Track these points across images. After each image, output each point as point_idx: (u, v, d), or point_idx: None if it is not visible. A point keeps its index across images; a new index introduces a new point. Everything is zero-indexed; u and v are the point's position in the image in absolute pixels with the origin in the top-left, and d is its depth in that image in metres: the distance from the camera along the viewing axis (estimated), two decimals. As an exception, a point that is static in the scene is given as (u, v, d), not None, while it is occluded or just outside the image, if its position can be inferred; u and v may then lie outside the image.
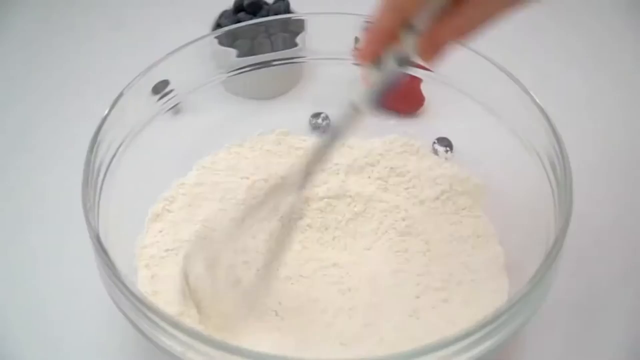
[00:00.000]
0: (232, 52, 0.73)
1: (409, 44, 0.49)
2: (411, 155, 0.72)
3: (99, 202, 0.61)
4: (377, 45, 0.50)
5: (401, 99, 0.76)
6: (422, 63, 0.51)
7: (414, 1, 0.48)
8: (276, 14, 0.79)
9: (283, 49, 0.74)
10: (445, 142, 0.73)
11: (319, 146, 0.55)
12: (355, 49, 0.49)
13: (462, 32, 0.49)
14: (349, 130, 0.54)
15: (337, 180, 0.70)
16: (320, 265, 0.65)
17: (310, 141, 0.74)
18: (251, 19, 0.78)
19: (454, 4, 0.48)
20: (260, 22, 0.74)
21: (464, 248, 0.66)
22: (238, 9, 0.82)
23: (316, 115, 0.77)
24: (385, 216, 0.68)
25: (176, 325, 0.52)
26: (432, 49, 0.50)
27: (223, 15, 0.82)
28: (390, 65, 0.50)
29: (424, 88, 0.76)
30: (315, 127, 0.76)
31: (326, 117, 0.77)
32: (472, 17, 0.49)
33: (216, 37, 0.71)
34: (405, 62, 0.50)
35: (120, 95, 0.64)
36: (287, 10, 0.82)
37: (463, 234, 0.66)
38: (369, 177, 0.71)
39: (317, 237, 0.67)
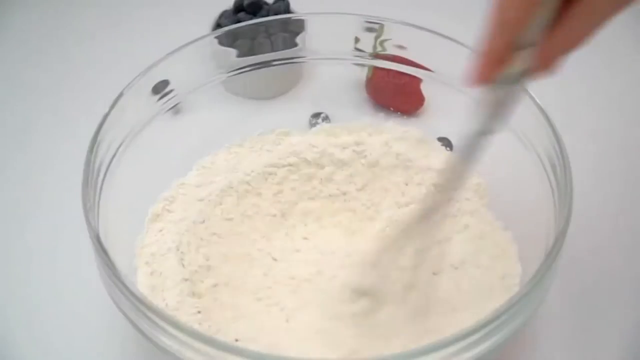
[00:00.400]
0: (232, 52, 0.73)
1: (522, 61, 0.48)
2: (413, 146, 0.72)
3: (99, 202, 0.61)
4: (491, 67, 0.49)
5: (401, 99, 0.76)
6: (538, 78, 0.49)
7: (521, 16, 0.46)
8: (276, 14, 0.79)
9: (283, 49, 0.74)
10: (445, 142, 0.73)
11: (449, 174, 0.54)
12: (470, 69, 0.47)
13: (576, 41, 0.47)
14: (478, 156, 0.53)
15: (344, 173, 0.71)
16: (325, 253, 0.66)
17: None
18: (251, 19, 0.78)
19: (563, 11, 0.46)
20: (260, 22, 0.74)
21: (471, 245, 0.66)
22: (238, 9, 0.82)
23: (316, 115, 0.77)
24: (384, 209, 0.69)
25: (176, 325, 0.52)
26: (547, 62, 0.48)
27: (223, 15, 0.82)
28: (506, 84, 0.49)
29: (424, 88, 0.76)
30: (315, 127, 0.76)
31: (326, 117, 0.77)
32: (584, 23, 0.47)
33: (216, 37, 0.71)
34: (520, 79, 0.48)
35: (120, 95, 0.64)
36: (287, 10, 0.82)
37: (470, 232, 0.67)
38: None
39: (325, 223, 0.68)
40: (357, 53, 0.73)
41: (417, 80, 0.74)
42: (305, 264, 0.65)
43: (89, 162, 0.60)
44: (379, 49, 0.73)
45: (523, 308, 0.53)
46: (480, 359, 0.52)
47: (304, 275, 0.64)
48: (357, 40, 0.73)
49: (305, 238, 0.68)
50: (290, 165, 0.71)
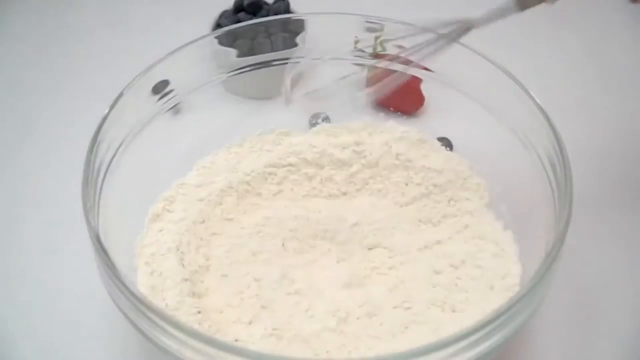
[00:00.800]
0: (232, 52, 0.73)
1: None
2: (413, 146, 0.72)
3: (99, 202, 0.61)
4: None
5: (401, 98, 0.76)
6: None
7: None
8: (276, 14, 0.80)
9: (283, 49, 0.74)
10: (445, 142, 0.73)
11: (461, 25, 0.60)
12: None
13: None
14: (492, 21, 0.60)
15: (344, 173, 0.71)
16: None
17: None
18: (251, 19, 0.78)
19: None
20: (260, 22, 0.74)
21: (471, 245, 0.66)
22: (238, 9, 0.82)
23: (316, 115, 0.77)
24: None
25: (176, 325, 0.52)
26: None
27: (223, 15, 0.82)
28: None
29: (424, 88, 0.76)
30: (315, 127, 0.76)
31: (326, 117, 0.77)
32: None
33: (216, 37, 0.71)
34: None
35: (120, 95, 0.64)
36: (287, 10, 0.82)
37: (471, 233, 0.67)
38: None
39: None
40: (357, 53, 0.73)
41: (417, 80, 0.74)
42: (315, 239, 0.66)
43: (89, 162, 0.60)
44: (379, 49, 0.73)
45: (523, 308, 0.53)
46: (480, 359, 0.52)
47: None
48: (357, 40, 0.73)
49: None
50: (290, 165, 0.71)
